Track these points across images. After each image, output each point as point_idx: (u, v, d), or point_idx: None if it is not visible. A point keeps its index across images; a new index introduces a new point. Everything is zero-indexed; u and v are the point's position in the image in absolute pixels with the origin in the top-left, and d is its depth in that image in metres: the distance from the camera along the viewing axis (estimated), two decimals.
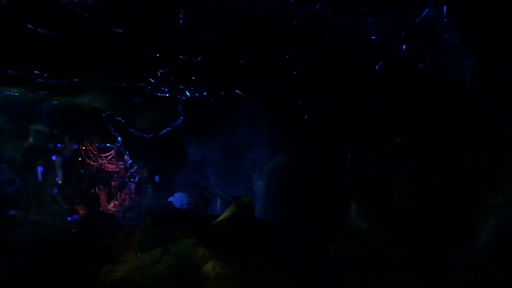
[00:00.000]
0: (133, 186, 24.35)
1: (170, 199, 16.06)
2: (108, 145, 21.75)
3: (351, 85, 10.56)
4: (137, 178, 24.09)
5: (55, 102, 17.52)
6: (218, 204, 15.84)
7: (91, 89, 16.12)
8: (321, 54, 10.34)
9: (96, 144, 22.03)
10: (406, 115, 9.17)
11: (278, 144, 13.86)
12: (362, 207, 11.54)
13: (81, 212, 20.03)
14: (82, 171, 23.09)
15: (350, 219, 12.11)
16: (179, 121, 16.21)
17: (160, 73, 13.18)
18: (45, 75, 12.70)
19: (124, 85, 14.66)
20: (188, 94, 14.78)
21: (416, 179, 9.20)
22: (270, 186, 14.06)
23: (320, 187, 12.77)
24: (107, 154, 23.65)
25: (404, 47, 9.29)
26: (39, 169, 20.67)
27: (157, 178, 20.17)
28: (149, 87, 14.84)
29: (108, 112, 17.81)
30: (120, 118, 17.74)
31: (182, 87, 14.38)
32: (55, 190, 21.68)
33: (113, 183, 25.14)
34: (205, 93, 14.31)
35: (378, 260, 11.35)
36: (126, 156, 23.88)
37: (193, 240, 8.52)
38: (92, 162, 23.31)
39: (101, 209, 20.80)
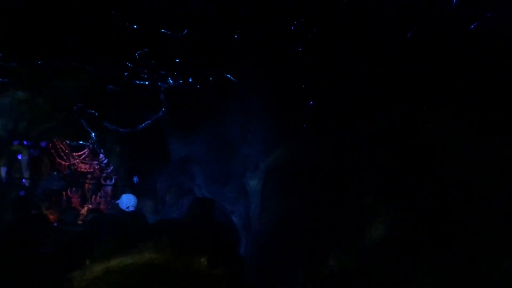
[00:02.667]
0: (109, 188, 22.25)
1: (117, 201, 13.85)
2: (81, 142, 19.65)
3: (373, 61, 8.76)
4: (113, 180, 22.00)
5: (19, 92, 15.33)
6: None
7: (60, 77, 14.12)
8: (336, 22, 8.51)
9: (67, 142, 19.87)
10: (447, 96, 7.45)
11: (276, 138, 12.04)
12: (379, 209, 9.82)
13: (51, 217, 17.88)
14: (53, 172, 20.99)
15: (362, 222, 10.39)
16: (161, 113, 14.27)
17: (138, 54, 11.24)
18: (0, 54, 10.60)
19: (97, 70, 12.68)
20: (170, 81, 12.88)
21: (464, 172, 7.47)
22: (266, 186, 12.26)
23: (325, 186, 10.98)
24: (80, 153, 21.55)
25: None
26: (3, 169, 18.35)
27: (135, 179, 18.07)
28: (125, 73, 12.92)
29: (79, 104, 15.71)
30: (93, 111, 15.67)
31: (163, 72, 12.48)
32: (21, 193, 19.35)
33: (86, 185, 23.03)
34: (190, 80, 12.43)
35: (395, 272, 9.73)
36: (101, 155, 21.82)
37: None
38: (63, 162, 21.18)
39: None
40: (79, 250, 8.93)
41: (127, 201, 11.86)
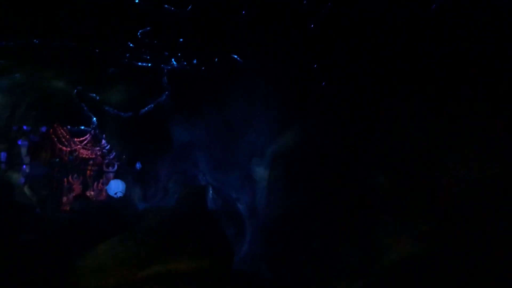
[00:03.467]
0: (111, 175, 21.80)
1: (106, 187, 13.27)
2: (82, 128, 19.16)
3: (392, 40, 8.12)
4: (116, 166, 21.55)
5: (17, 75, 14.79)
6: (210, 194, 13.41)
7: (58, 58, 13.56)
8: None
9: (68, 127, 19.38)
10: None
11: (283, 123, 11.46)
12: (396, 196, 9.26)
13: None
14: (53, 158, 20.55)
15: (377, 211, 9.85)
16: (164, 96, 13.71)
17: (140, 33, 10.65)
18: None
19: (97, 50, 12.11)
20: (174, 63, 12.30)
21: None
22: (274, 173, 11.71)
23: (337, 173, 10.42)
24: (81, 139, 21.08)
25: None
26: (2, 155, 17.89)
27: (138, 165, 17.59)
28: (127, 54, 12.34)
29: (80, 87, 15.18)
30: (94, 95, 15.13)
31: (167, 53, 11.89)
32: (22, 180, 18.93)
33: (88, 171, 22.60)
34: (194, 61, 11.85)
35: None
36: (103, 141, 21.35)
37: None
38: (64, 148, 20.73)
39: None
40: (62, 238, 8.45)
41: (115, 187, 11.33)
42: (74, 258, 7.23)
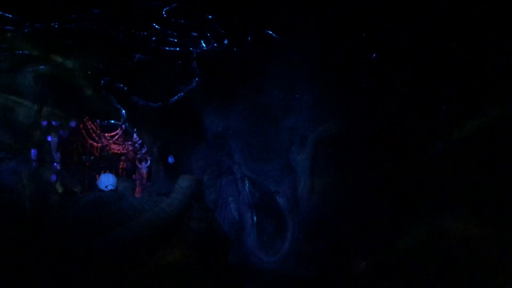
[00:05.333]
0: (144, 170, 21.13)
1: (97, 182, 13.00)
2: (113, 121, 18.51)
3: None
4: (149, 161, 20.85)
5: (42, 67, 14.13)
6: (246, 187, 12.32)
7: (82, 47, 12.78)
8: None
9: (98, 121, 18.79)
10: None
11: (327, 105, 10.19)
12: (461, 187, 7.90)
13: None
14: (84, 154, 20.03)
15: (438, 201, 8.51)
16: (194, 83, 12.69)
17: (165, 12, 9.61)
18: (10, 16, 9.25)
19: (121, 35, 11.19)
20: (203, 45, 11.21)
21: None
22: (317, 162, 10.52)
23: (390, 160, 9.11)
24: (112, 134, 20.49)
25: None
26: (33, 152, 17.41)
27: (170, 159, 16.71)
28: (153, 38, 11.36)
29: (107, 78, 14.37)
30: (121, 85, 14.29)
31: (195, 34, 10.80)
32: (53, 177, 18.46)
33: (120, 167, 22.07)
34: (225, 42, 10.72)
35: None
36: (134, 135, 20.66)
37: None
38: (95, 143, 20.20)
39: None
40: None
41: (105, 180, 11.25)
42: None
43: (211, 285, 7.64)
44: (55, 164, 18.32)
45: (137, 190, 19.38)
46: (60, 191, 18.40)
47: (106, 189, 10.93)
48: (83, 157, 21.46)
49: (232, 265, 10.02)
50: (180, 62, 12.26)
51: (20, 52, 12.74)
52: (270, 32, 9.74)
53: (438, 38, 8.15)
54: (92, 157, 21.99)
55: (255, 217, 12.23)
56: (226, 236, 10.16)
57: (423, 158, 8.71)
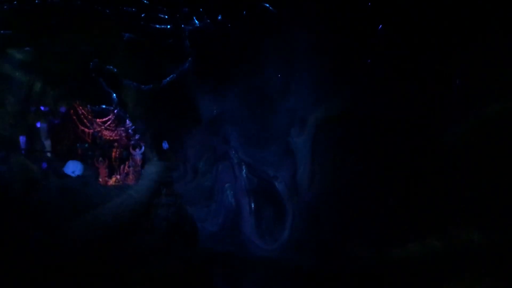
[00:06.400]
0: (138, 157, 20.47)
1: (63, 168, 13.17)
2: (104, 106, 17.79)
3: None
4: (143, 148, 20.20)
5: (27, 48, 13.40)
6: (244, 172, 11.71)
7: (69, 27, 12.06)
8: None
9: (89, 106, 18.04)
10: None
11: (328, 84, 9.52)
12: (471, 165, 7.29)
13: None
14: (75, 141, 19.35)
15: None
16: (187, 63, 11.98)
17: None
18: None
19: (107, 11, 10.45)
20: (196, 21, 10.47)
21: None
22: (317, 145, 9.89)
23: (397, 141, 8.47)
24: (104, 119, 19.80)
25: None
26: (21, 138, 16.70)
27: (165, 145, 16.07)
28: (142, 15, 10.61)
29: (96, 60, 13.64)
30: (111, 67, 13.57)
31: (186, 10, 10.07)
32: (44, 165, 17.75)
33: (113, 153, 21.40)
34: (219, 17, 9.98)
35: None
36: (127, 121, 20.01)
37: None
38: (86, 129, 19.52)
39: None
40: None
41: (73, 166, 10.70)
42: None
43: (180, 268, 7.87)
44: (45, 151, 17.66)
45: (131, 177, 18.80)
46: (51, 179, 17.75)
47: (73, 174, 10.72)
48: (77, 144, 20.83)
49: (199, 249, 9.98)
50: (171, 40, 11.54)
51: (2, 32, 12.01)
52: (267, 5, 9.01)
53: (450, 8, 7.48)
54: (86, 145, 21.36)
55: (252, 204, 11.69)
56: (193, 221, 10.20)
57: (433, 140, 8.08)
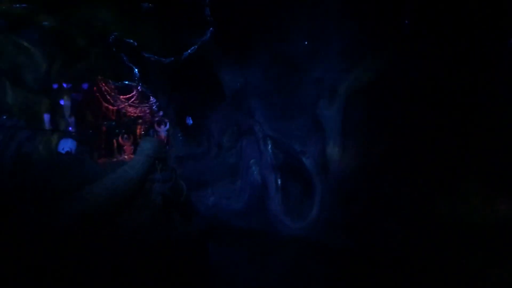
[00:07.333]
0: (163, 134, 20.19)
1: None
2: (127, 82, 17.44)
3: None
4: (168, 125, 19.87)
5: (45, 23, 13.03)
6: (269, 148, 11.14)
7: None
8: None
9: (111, 82, 17.72)
10: None
11: (360, 50, 8.74)
12: None
13: None
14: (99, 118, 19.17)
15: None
16: (208, 34, 11.35)
17: None
18: None
19: None
20: None
21: None
22: (349, 117, 9.19)
23: (434, 116, 7.70)
24: (128, 96, 19.50)
25: None
26: (46, 116, 16.57)
27: (189, 120, 15.64)
28: None
29: (115, 33, 13.18)
30: (131, 41, 13.09)
31: None
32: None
33: (138, 130, 21.19)
34: None
35: None
36: (151, 97, 19.66)
37: None
38: (110, 106, 19.28)
39: None
40: None
41: (64, 144, 10.40)
42: None
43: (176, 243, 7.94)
44: (70, 129, 17.54)
45: None
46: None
47: (63, 151, 10.65)
48: (105, 122, 20.71)
49: (195, 223, 9.90)
50: (191, 9, 10.91)
51: (18, 5, 11.64)
52: None
53: None
54: (114, 123, 21.24)
55: (279, 181, 11.15)
56: (188, 195, 10.16)
57: (478, 111, 7.28)
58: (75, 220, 6.92)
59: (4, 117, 15.54)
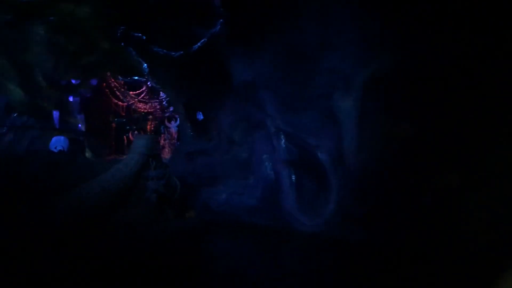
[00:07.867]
0: (174, 129, 19.96)
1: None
2: (136, 78, 17.18)
3: None
4: (178, 120, 19.60)
5: (51, 18, 12.81)
6: (282, 142, 10.76)
7: None
8: None
9: (120, 78, 17.51)
10: None
11: (377, 38, 8.29)
12: None
13: None
14: (109, 114, 18.88)
15: None
16: (218, 25, 10.99)
17: None
18: None
19: None
20: None
21: None
22: (366, 109, 8.76)
23: (458, 108, 7.25)
24: (138, 92, 19.27)
25: None
26: (55, 113, 16.46)
27: (199, 115, 15.34)
28: None
29: (123, 27, 12.89)
30: (140, 34, 12.79)
31: None
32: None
33: (148, 126, 20.96)
34: None
35: None
36: (161, 93, 19.38)
37: None
38: (120, 102, 19.06)
39: None
40: None
41: (56, 141, 10.92)
42: None
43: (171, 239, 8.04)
44: (79, 126, 17.38)
45: (166, 150, 18.29)
46: (87, 155, 17.49)
47: (55, 150, 10.60)
48: (115, 119, 20.49)
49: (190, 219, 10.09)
50: (200, 0, 10.58)
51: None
52: None
53: None
54: (124, 119, 21.01)
55: (293, 176, 10.76)
56: (182, 191, 10.24)
57: (504, 105, 6.81)
58: (69, 219, 6.84)
59: (15, 114, 15.40)
